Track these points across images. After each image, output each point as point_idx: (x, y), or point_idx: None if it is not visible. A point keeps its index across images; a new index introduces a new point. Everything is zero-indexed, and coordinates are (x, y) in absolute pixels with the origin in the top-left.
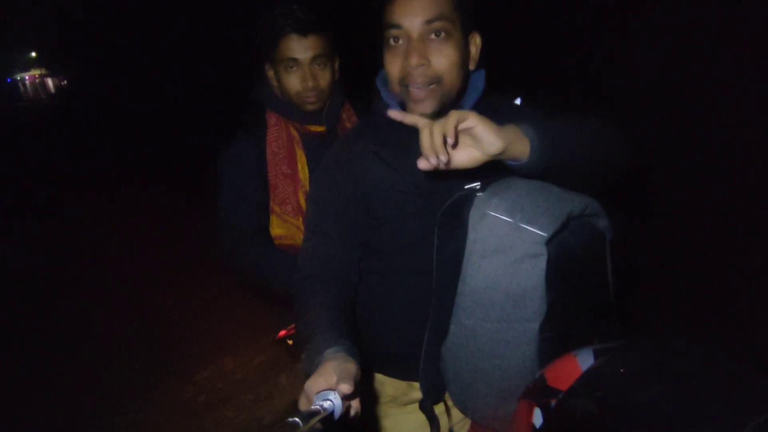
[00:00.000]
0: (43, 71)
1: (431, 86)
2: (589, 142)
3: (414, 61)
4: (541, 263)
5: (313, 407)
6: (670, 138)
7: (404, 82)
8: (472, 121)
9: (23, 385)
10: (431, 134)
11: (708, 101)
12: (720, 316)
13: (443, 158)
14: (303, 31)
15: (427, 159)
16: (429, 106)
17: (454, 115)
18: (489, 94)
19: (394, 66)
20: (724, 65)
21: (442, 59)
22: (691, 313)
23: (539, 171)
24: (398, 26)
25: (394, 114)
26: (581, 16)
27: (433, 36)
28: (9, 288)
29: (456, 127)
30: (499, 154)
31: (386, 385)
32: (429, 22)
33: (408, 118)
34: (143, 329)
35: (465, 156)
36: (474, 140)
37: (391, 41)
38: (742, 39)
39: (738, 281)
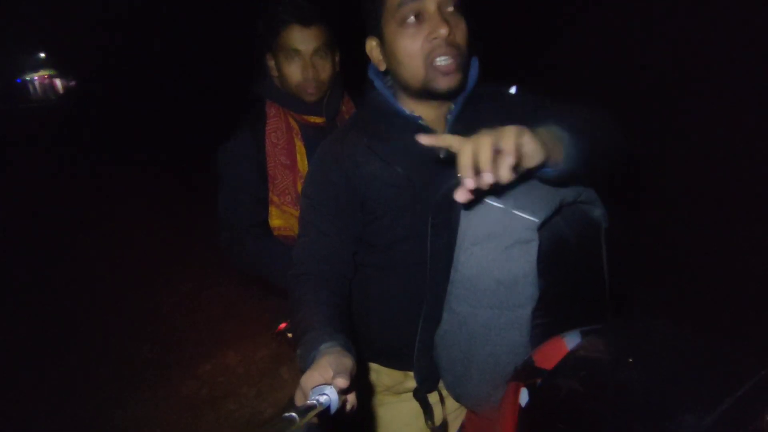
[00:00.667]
0: (52, 72)
1: (458, 57)
2: (603, 137)
3: (444, 30)
4: (533, 249)
5: (309, 402)
6: (669, 130)
7: (431, 57)
8: (527, 137)
9: (27, 382)
10: (479, 148)
11: (711, 96)
12: (717, 307)
13: (488, 178)
14: (305, 22)
15: (467, 178)
16: (457, 78)
17: (511, 130)
18: (482, 83)
19: (415, 45)
20: (728, 59)
21: (461, 31)
22: (687, 303)
23: (567, 178)
24: None
25: (425, 139)
26: (581, 15)
27: (448, 9)
28: (14, 285)
29: (516, 144)
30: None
31: (382, 374)
32: None
33: (442, 141)
34: (147, 325)
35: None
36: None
37: (409, 20)
38: (743, 35)
39: (735, 273)
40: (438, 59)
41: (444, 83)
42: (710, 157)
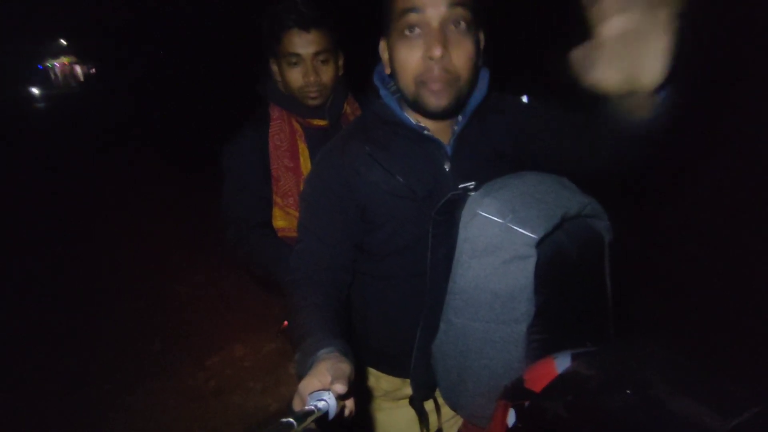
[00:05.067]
0: (73, 59)
1: (449, 80)
2: None
3: (437, 52)
4: (530, 265)
5: (307, 407)
6: (673, 138)
7: (422, 77)
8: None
9: (37, 370)
10: None
11: (714, 101)
12: (720, 325)
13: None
14: (305, 27)
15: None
16: (445, 98)
17: None
18: (491, 95)
19: (410, 58)
20: (732, 62)
21: (462, 53)
22: (689, 320)
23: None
24: (419, 10)
25: None
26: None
27: (452, 27)
28: (25, 274)
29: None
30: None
31: (380, 379)
32: (453, 5)
33: None
34: (156, 316)
35: (615, 75)
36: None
37: (407, 31)
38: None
39: (739, 289)
40: (428, 80)
41: (433, 102)
42: (718, 166)
